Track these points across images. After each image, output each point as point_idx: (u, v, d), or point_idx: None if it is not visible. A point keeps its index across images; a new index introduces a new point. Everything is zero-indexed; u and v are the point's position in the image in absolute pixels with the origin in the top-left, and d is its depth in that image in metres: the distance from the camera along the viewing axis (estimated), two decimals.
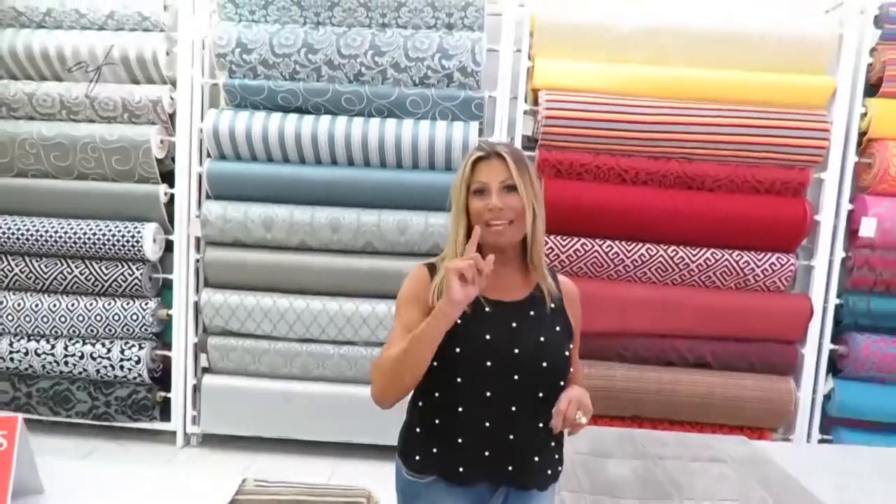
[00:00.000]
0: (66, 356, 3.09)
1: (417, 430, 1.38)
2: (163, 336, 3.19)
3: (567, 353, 1.35)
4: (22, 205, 3.10)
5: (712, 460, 2.06)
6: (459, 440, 1.32)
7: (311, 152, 2.96)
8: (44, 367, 3.12)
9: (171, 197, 3.09)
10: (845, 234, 3.08)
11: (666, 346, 3.03)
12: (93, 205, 3.06)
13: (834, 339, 3.13)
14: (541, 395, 1.32)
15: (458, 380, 1.31)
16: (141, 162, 3.00)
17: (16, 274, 3.10)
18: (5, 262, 3.10)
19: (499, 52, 2.96)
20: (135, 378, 3.11)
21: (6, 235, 3.05)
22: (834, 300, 3.09)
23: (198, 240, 3.10)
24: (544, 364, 1.31)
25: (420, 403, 1.38)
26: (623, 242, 2.99)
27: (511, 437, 1.31)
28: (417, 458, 1.37)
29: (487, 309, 1.32)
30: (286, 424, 3.09)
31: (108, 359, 3.08)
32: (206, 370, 3.17)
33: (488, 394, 1.31)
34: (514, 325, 1.33)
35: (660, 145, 2.93)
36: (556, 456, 1.40)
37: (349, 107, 2.96)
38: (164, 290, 3.18)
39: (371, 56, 2.91)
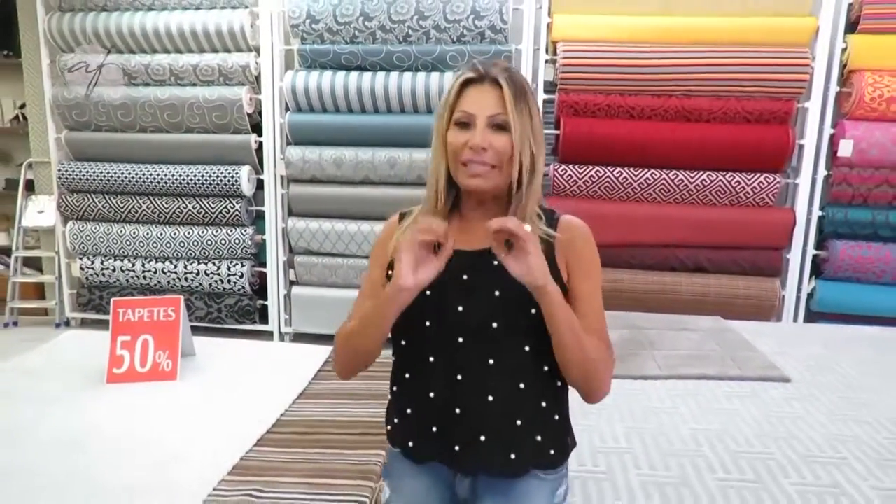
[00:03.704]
0: (185, 273, 3.93)
1: (389, 396, 1.22)
2: (259, 256, 3.99)
3: (535, 312, 1.05)
4: (144, 155, 3.89)
5: (683, 329, 2.70)
6: (408, 411, 1.16)
7: (371, 103, 3.61)
8: (169, 282, 3.97)
9: (260, 144, 3.82)
10: (828, 155, 3.57)
11: (668, 254, 3.63)
12: (199, 152, 3.82)
13: (817, 246, 3.66)
14: (491, 362, 1.08)
15: (402, 342, 1.15)
16: (235, 117, 3.73)
17: (143, 210, 3.92)
18: (135, 202, 3.92)
19: (522, 10, 3.52)
20: (239, 290, 3.93)
21: (134, 180, 3.85)
22: (817, 212, 3.61)
23: (283, 178, 3.84)
24: (494, 325, 1.07)
25: (392, 368, 1.21)
26: (631, 168, 3.57)
27: (457, 410, 1.10)
28: (388, 427, 1.23)
29: None
30: None
31: (218, 275, 3.90)
32: (293, 283, 3.96)
33: (431, 359, 1.11)
34: (464, 277, 1.10)
35: (662, 85, 3.46)
36: (538, 438, 1.11)
37: (400, 64, 3.58)
38: (258, 220, 3.96)
39: (416, 20, 3.51)
